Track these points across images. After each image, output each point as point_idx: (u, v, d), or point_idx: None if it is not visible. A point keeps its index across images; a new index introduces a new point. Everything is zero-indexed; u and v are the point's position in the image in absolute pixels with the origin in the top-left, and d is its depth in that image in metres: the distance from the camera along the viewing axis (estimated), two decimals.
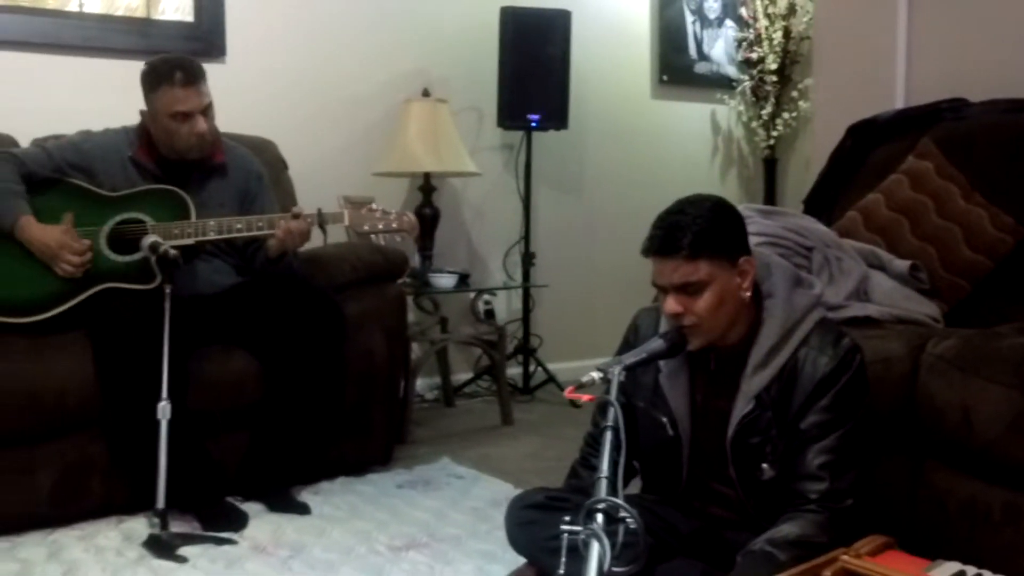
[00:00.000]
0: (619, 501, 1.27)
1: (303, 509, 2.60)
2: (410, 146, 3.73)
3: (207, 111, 2.67)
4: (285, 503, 2.61)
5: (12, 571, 2.21)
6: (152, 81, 2.65)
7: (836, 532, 1.76)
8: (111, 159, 2.70)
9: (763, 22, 4.83)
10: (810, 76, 4.40)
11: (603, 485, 1.34)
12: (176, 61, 2.67)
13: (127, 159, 2.71)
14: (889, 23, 3.29)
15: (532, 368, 4.26)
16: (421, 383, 3.96)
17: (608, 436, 1.50)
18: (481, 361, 4.17)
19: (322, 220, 2.63)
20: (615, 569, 1.20)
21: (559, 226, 4.46)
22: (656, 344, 1.83)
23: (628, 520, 1.25)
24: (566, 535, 1.23)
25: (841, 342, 1.87)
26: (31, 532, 2.43)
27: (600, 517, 1.26)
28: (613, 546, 1.25)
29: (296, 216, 2.61)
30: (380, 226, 2.64)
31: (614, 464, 1.43)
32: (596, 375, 1.71)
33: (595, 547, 1.17)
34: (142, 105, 2.70)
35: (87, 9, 3.38)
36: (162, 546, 2.30)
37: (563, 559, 1.21)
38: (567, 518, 1.27)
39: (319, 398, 2.69)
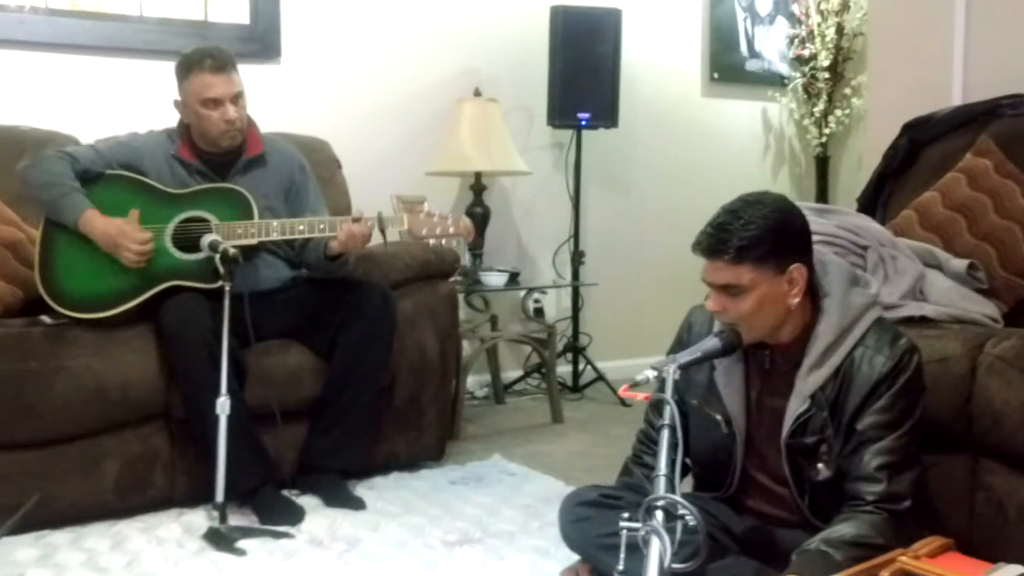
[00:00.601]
0: (679, 498, 1.27)
1: (358, 504, 2.64)
2: (462, 146, 3.77)
3: (237, 99, 2.72)
4: (341, 498, 2.65)
5: (78, 560, 2.27)
6: (184, 69, 2.72)
7: (893, 534, 1.75)
8: (158, 156, 2.77)
9: (816, 18, 4.79)
10: (864, 73, 4.36)
11: (662, 482, 1.35)
12: (206, 49, 2.74)
13: (171, 156, 2.77)
14: (947, 17, 3.24)
15: (581, 366, 4.27)
16: (471, 380, 3.99)
17: (665, 434, 1.50)
18: (531, 359, 4.19)
19: (382, 224, 2.66)
20: (674, 566, 1.21)
21: (608, 225, 4.47)
22: (711, 343, 1.84)
23: (687, 517, 1.26)
24: (625, 532, 1.24)
25: (898, 342, 1.86)
26: (95, 523, 2.49)
27: (660, 514, 1.27)
28: (672, 542, 1.26)
29: (357, 220, 2.64)
30: (438, 231, 2.67)
31: (672, 462, 1.44)
32: (651, 373, 1.72)
33: (655, 543, 1.17)
34: (178, 99, 2.76)
35: (147, 13, 3.46)
36: (221, 539, 2.35)
37: (622, 555, 1.22)
38: (626, 515, 1.28)
39: (371, 386, 2.74)
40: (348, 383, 2.71)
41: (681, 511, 1.26)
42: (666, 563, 1.15)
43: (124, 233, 2.59)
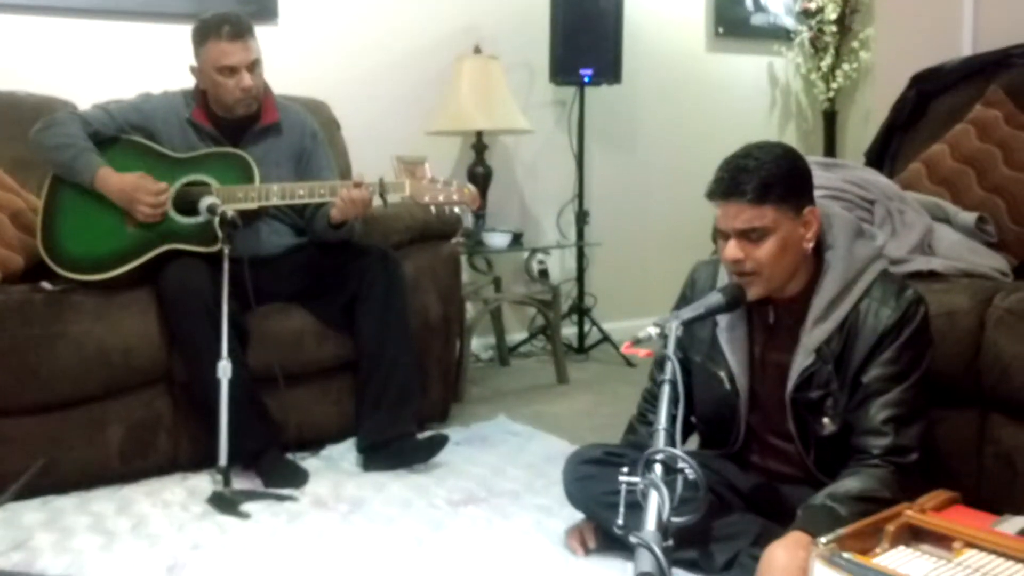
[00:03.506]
0: (677, 452, 1.26)
1: (435, 445, 2.65)
2: (462, 104, 3.72)
3: (254, 67, 2.69)
4: (417, 456, 2.64)
5: (85, 524, 2.28)
6: (200, 35, 2.68)
7: (900, 487, 1.73)
8: (170, 121, 2.75)
9: None
10: (871, 26, 4.28)
11: (661, 436, 1.33)
12: (224, 16, 2.69)
13: (185, 120, 2.75)
14: None
15: (587, 327, 4.25)
16: (476, 342, 3.97)
17: (666, 390, 1.49)
18: (536, 321, 4.18)
19: (383, 190, 2.63)
20: (674, 519, 1.19)
21: (613, 183, 4.42)
22: (714, 298, 1.81)
23: (687, 471, 1.24)
24: (624, 487, 1.22)
25: (904, 293, 1.83)
26: (101, 487, 2.50)
27: (659, 468, 1.25)
28: (672, 496, 1.24)
29: (357, 185, 2.61)
30: (440, 197, 2.63)
31: (672, 417, 1.42)
32: (653, 330, 1.70)
33: (654, 497, 1.16)
34: (194, 64, 2.73)
35: None
36: (225, 502, 2.35)
37: (622, 510, 1.20)
38: (625, 469, 1.27)
39: (404, 348, 2.71)
40: (381, 354, 2.69)
41: (680, 464, 1.25)
42: (664, 516, 1.13)
43: (138, 187, 2.58)
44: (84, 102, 2.93)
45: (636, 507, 1.23)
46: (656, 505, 1.14)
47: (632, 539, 1.10)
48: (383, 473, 2.60)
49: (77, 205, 2.62)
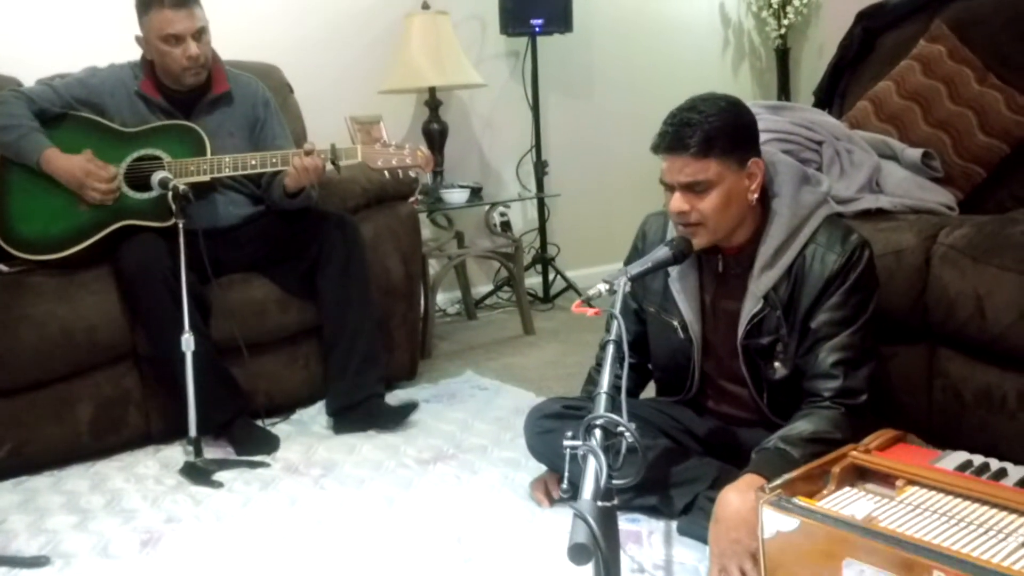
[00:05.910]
0: (618, 417, 1.29)
1: (408, 409, 2.68)
2: (413, 61, 3.69)
3: (200, 35, 2.65)
4: (387, 418, 2.67)
5: (58, 503, 2.30)
6: (144, 4, 2.64)
7: (851, 428, 1.77)
8: (119, 94, 2.71)
9: None
10: None
11: (602, 400, 1.36)
12: None
13: (134, 93, 2.71)
14: None
15: (551, 277, 4.28)
16: (442, 298, 4.00)
17: (610, 350, 1.51)
18: (500, 273, 4.20)
19: (335, 156, 2.61)
20: (615, 481, 1.23)
21: (570, 132, 4.42)
22: (661, 253, 1.84)
23: (626, 436, 1.27)
24: (568, 451, 1.26)
25: (849, 238, 1.86)
26: (74, 465, 2.52)
27: (599, 433, 1.28)
28: (617, 455, 1.28)
29: (309, 152, 2.59)
30: (394, 162, 2.61)
31: (616, 378, 1.45)
32: (603, 287, 1.73)
33: (592, 463, 1.19)
34: (139, 35, 2.69)
35: None
36: (198, 472, 2.38)
37: (566, 475, 1.24)
38: (569, 433, 1.30)
39: (367, 312, 2.73)
40: (344, 320, 2.70)
41: (620, 428, 1.28)
42: (602, 482, 1.17)
43: (88, 172, 2.55)
44: (29, 77, 2.89)
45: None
46: (594, 472, 1.17)
47: (572, 509, 1.14)
48: (354, 435, 2.63)
49: (28, 186, 2.60)
